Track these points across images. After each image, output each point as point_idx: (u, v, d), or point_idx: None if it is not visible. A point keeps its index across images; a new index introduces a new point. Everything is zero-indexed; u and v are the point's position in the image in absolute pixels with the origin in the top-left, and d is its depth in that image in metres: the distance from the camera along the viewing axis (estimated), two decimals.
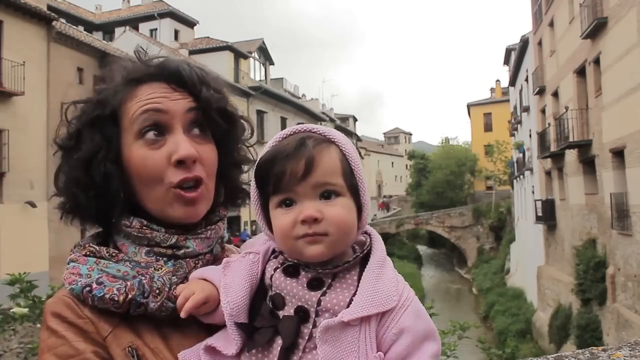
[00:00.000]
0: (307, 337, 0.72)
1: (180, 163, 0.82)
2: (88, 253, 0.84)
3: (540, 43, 22.36)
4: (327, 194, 0.75)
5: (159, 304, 0.80)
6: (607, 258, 13.82)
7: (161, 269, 0.83)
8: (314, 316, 0.73)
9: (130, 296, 0.78)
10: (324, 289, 0.74)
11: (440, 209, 41.98)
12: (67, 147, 0.86)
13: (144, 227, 0.84)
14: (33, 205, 14.47)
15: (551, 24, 19.97)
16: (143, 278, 0.80)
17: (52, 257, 14.40)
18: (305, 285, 0.75)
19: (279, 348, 0.72)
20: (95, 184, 0.83)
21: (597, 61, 14.30)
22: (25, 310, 2.44)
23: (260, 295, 0.78)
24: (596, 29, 13.71)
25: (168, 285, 0.81)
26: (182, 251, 0.84)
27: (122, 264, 0.83)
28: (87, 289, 0.78)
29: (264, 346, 0.73)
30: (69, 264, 0.84)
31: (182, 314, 0.77)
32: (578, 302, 15.26)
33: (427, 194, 47.65)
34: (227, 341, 0.76)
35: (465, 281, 35.34)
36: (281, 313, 0.74)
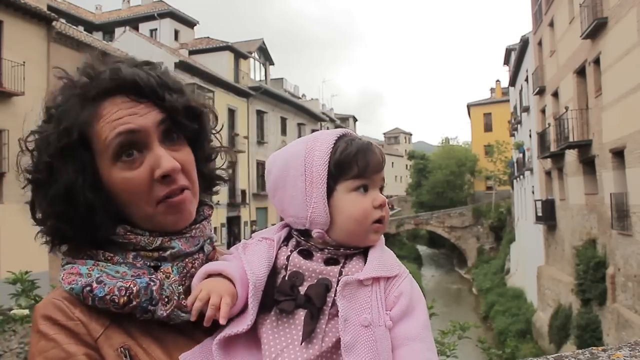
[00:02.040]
0: (330, 304, 0.81)
1: (165, 177, 0.82)
2: (85, 256, 0.84)
3: (540, 43, 22.37)
4: (382, 188, 0.91)
5: (168, 312, 0.79)
6: (607, 258, 13.82)
7: (169, 276, 0.83)
8: (335, 286, 0.82)
9: (134, 302, 0.77)
10: (341, 265, 0.85)
11: (440, 209, 41.99)
12: (40, 181, 0.83)
13: (128, 233, 0.83)
14: None
15: (551, 24, 19.97)
16: (152, 283, 0.80)
17: (52, 257, 14.38)
18: (323, 263, 0.85)
19: (303, 317, 0.80)
20: (79, 214, 0.81)
21: (597, 61, 14.30)
22: (26, 311, 2.43)
23: (273, 278, 0.85)
24: (596, 29, 13.71)
25: (177, 294, 0.81)
26: (168, 252, 0.84)
27: (120, 266, 0.82)
28: (88, 288, 0.77)
29: (288, 316, 0.81)
30: (65, 265, 0.83)
31: (192, 318, 0.78)
32: (578, 302, 15.26)
33: (427, 194, 47.64)
34: (237, 322, 0.80)
35: (465, 281, 35.34)
36: (301, 289, 0.82)
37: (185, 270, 0.85)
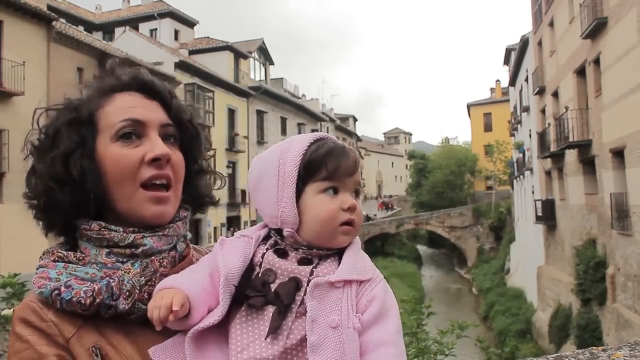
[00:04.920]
0: (299, 303, 0.82)
1: (155, 161, 0.87)
2: (57, 258, 0.87)
3: (540, 43, 22.36)
4: (356, 192, 0.91)
5: (129, 305, 0.82)
6: (607, 258, 13.82)
7: (129, 271, 0.84)
8: (305, 285, 0.83)
9: (98, 300, 0.80)
10: (314, 265, 0.86)
11: (440, 209, 41.96)
12: (44, 147, 0.89)
13: (102, 229, 0.86)
14: None
15: (551, 24, 19.97)
16: (111, 280, 0.82)
17: None
18: (296, 263, 0.86)
19: (271, 313, 0.81)
20: (72, 179, 0.85)
21: (597, 61, 14.29)
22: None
23: (249, 275, 0.85)
24: (596, 29, 13.71)
25: (138, 287, 0.83)
26: (140, 249, 0.86)
27: (90, 267, 0.85)
28: (56, 292, 0.81)
29: (257, 311, 0.82)
30: (38, 269, 0.87)
31: (157, 327, 0.79)
32: (578, 302, 15.26)
33: (427, 194, 47.60)
34: (209, 316, 0.82)
35: (465, 281, 35.33)
36: (272, 286, 0.83)
37: (149, 267, 0.86)
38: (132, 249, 0.86)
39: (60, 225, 0.91)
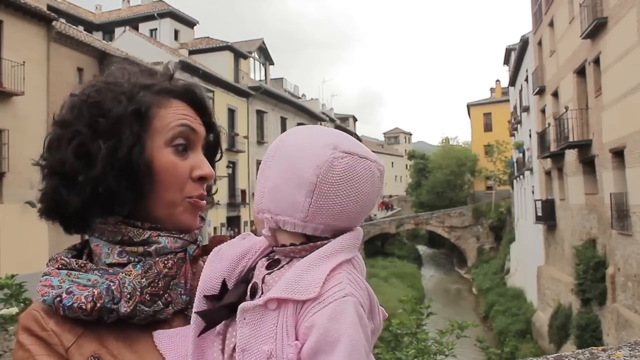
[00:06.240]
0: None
1: (201, 179, 0.90)
2: (60, 266, 0.86)
3: (540, 43, 22.37)
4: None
5: (130, 308, 0.80)
6: (607, 258, 13.82)
7: (130, 273, 0.83)
8: (260, 293, 0.73)
9: (99, 304, 0.79)
10: (275, 269, 0.75)
11: (440, 209, 41.98)
12: (102, 126, 0.83)
13: (119, 223, 0.85)
14: (33, 205, 14.46)
15: (551, 24, 19.97)
16: (112, 283, 0.81)
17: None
18: (265, 265, 0.77)
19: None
20: (134, 168, 0.82)
21: (597, 61, 14.30)
22: (14, 310, 2.44)
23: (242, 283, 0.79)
24: (596, 29, 13.71)
25: (139, 289, 0.82)
26: (153, 247, 0.85)
27: (92, 273, 0.84)
28: (58, 299, 0.80)
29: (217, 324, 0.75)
30: (42, 277, 0.86)
31: None
32: (578, 302, 15.26)
33: (427, 194, 47.62)
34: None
35: (465, 281, 35.34)
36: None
37: (152, 269, 0.84)
38: (145, 247, 0.85)
39: (79, 220, 0.87)
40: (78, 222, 0.88)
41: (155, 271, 0.84)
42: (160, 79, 0.93)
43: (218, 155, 1.04)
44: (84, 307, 0.79)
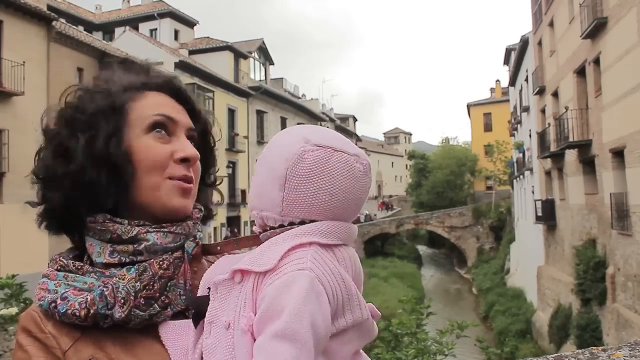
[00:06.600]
0: None
1: (184, 161, 0.88)
2: (59, 267, 0.86)
3: (540, 43, 22.37)
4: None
5: (125, 313, 0.79)
6: (607, 258, 13.83)
7: (124, 277, 0.81)
8: None
9: (92, 311, 0.78)
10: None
11: (440, 209, 41.98)
12: (79, 125, 0.86)
13: (107, 221, 0.84)
14: (33, 205, 14.39)
15: (551, 24, 19.97)
16: (105, 289, 0.80)
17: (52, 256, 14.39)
18: None
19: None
20: (112, 160, 0.83)
21: (597, 61, 14.30)
22: (13, 310, 2.44)
23: None
24: (596, 29, 13.71)
25: (133, 294, 0.80)
26: (142, 245, 0.84)
27: (88, 276, 0.83)
28: (53, 304, 0.80)
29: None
30: (41, 279, 0.86)
31: None
32: (578, 302, 15.26)
33: (427, 194, 47.63)
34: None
35: (465, 281, 35.34)
36: None
37: (147, 271, 0.82)
38: (135, 245, 0.84)
39: (72, 219, 0.87)
40: (71, 222, 0.88)
41: (150, 273, 0.82)
42: (139, 74, 0.95)
43: (211, 144, 1.02)
44: (77, 313, 0.78)
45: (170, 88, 0.95)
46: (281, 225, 0.74)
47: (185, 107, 0.95)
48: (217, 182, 1.06)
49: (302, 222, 0.73)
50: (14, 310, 2.45)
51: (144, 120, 0.88)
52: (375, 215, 47.37)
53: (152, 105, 0.90)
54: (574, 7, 16.40)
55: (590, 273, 14.27)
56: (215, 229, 24.55)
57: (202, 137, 0.98)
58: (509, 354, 15.36)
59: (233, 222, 26.71)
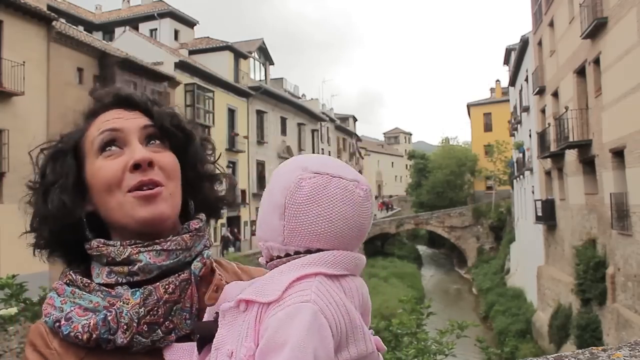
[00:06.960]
0: None
1: (137, 167, 0.84)
2: (67, 281, 0.86)
3: (540, 43, 22.37)
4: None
5: (127, 339, 0.78)
6: (607, 258, 13.83)
7: (129, 302, 0.80)
8: None
9: (94, 335, 0.78)
10: None
11: (440, 209, 41.99)
12: (35, 186, 0.91)
13: (101, 245, 0.84)
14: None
15: (551, 24, 19.97)
16: (108, 314, 0.79)
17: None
18: None
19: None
20: (52, 214, 0.86)
21: (597, 61, 14.30)
22: (13, 311, 2.44)
23: None
24: (596, 29, 13.71)
25: (136, 320, 0.79)
26: (136, 266, 0.82)
27: (94, 294, 0.83)
28: (57, 324, 0.80)
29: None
30: (49, 293, 0.87)
31: None
32: (578, 302, 15.27)
33: (427, 194, 47.64)
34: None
35: (465, 281, 35.34)
36: None
37: (152, 295, 0.81)
38: (129, 266, 0.82)
39: (64, 250, 0.91)
40: (75, 254, 0.91)
41: (155, 297, 0.80)
42: (91, 104, 0.95)
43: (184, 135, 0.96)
44: (80, 336, 0.78)
45: (119, 100, 0.93)
46: (287, 254, 0.73)
47: (141, 110, 0.92)
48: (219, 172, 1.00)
49: (309, 251, 0.72)
50: (13, 310, 2.45)
51: (93, 145, 0.88)
52: (375, 215, 47.36)
53: (98, 125, 0.90)
54: (574, 7, 16.40)
55: (590, 273, 14.27)
56: (215, 229, 24.55)
57: (167, 130, 0.91)
58: (509, 354, 15.36)
59: (233, 222, 26.71)
